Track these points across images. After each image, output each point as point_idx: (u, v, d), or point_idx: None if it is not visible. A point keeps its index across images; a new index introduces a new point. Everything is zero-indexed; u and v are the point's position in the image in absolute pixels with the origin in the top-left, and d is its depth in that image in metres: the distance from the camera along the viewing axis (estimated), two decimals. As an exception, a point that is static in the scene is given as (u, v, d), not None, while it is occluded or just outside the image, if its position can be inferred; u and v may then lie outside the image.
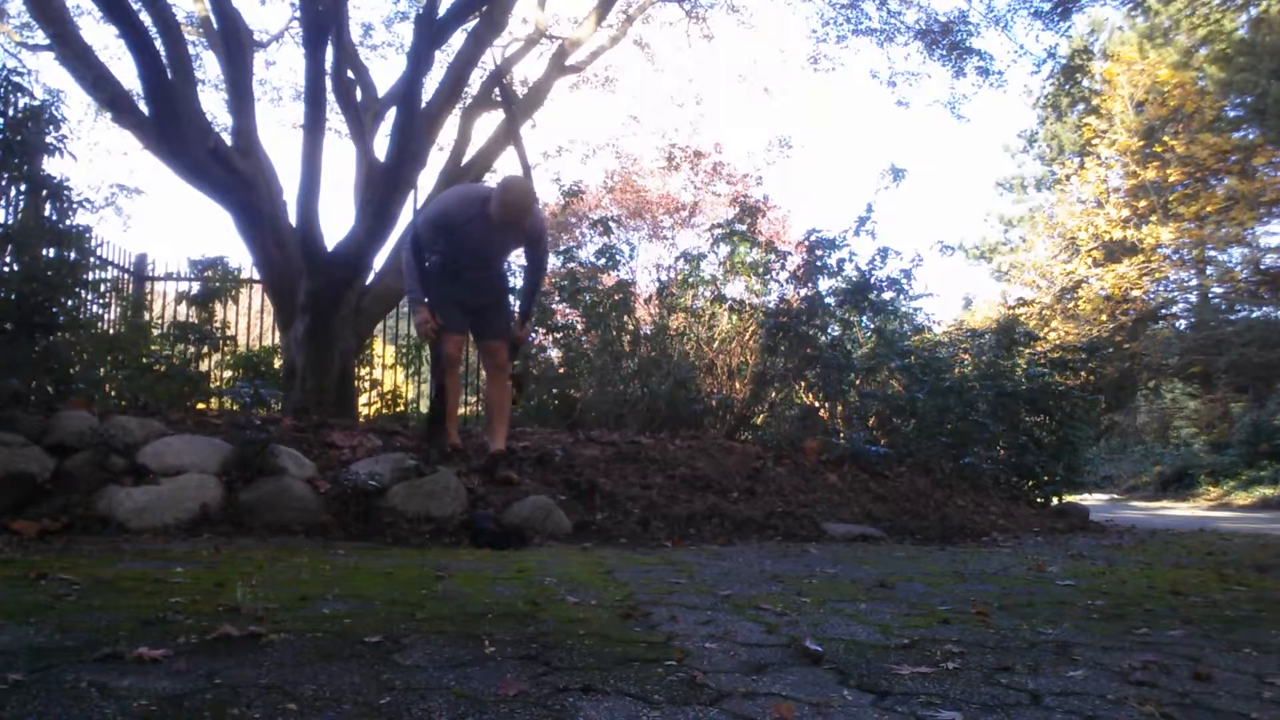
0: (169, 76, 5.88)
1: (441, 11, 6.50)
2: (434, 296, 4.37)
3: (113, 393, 5.64)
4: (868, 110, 79.27)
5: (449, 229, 4.26)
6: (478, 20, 7.43)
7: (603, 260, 7.50)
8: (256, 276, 7.72)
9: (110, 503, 3.45)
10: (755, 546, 3.97)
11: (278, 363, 7.17)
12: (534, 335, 7.92)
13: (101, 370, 5.55)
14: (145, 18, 5.97)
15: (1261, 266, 20.52)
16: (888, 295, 7.33)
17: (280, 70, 22.00)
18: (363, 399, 7.69)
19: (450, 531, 3.74)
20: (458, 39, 7.77)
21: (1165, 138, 19.23)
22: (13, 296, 4.24)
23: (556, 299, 7.65)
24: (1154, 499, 18.02)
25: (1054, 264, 22.14)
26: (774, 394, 7.40)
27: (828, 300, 7.28)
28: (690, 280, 7.52)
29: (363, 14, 18.65)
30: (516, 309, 4.80)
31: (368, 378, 8.02)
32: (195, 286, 7.31)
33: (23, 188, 4.83)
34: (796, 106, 49.96)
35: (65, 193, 4.76)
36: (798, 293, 7.38)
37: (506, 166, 9.16)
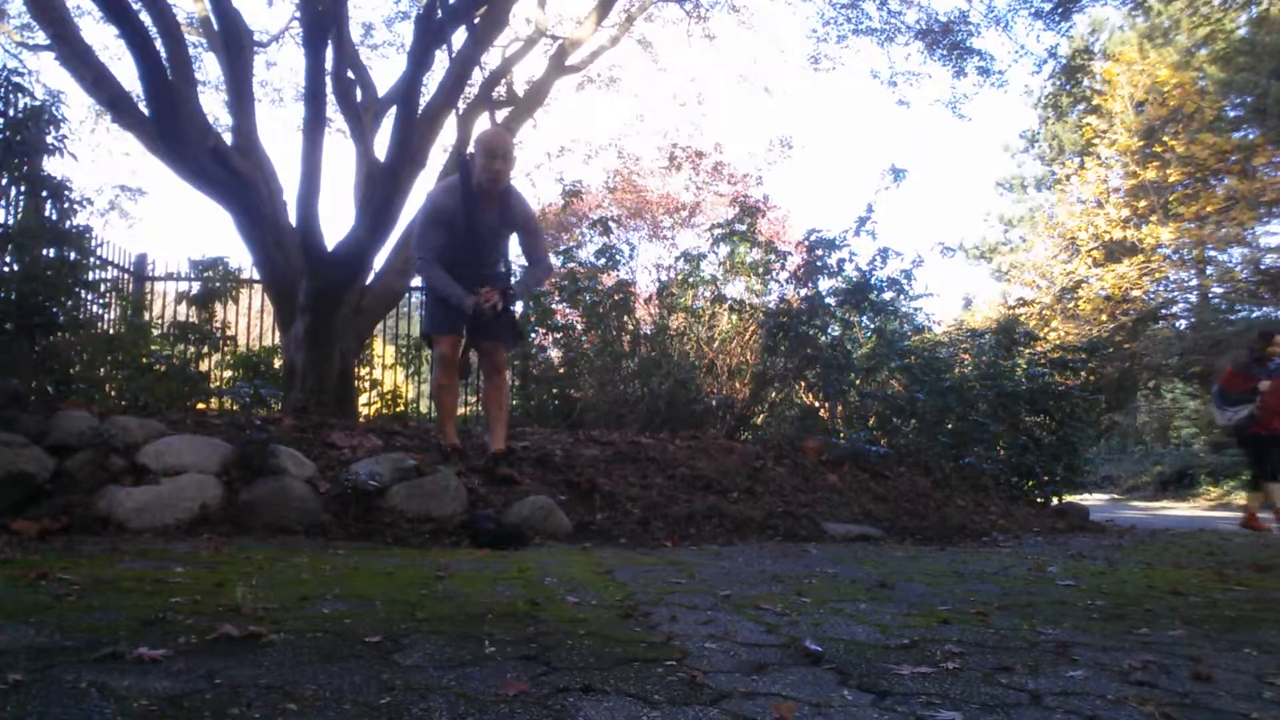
0: (169, 77, 5.87)
1: (441, 11, 6.50)
2: (436, 296, 4.38)
3: (113, 393, 5.64)
4: (868, 110, 79.28)
5: (447, 222, 4.27)
6: (478, 20, 7.43)
7: (603, 260, 7.50)
8: (256, 276, 7.72)
9: (110, 503, 3.45)
10: (755, 546, 3.97)
11: (278, 363, 7.18)
12: (534, 334, 7.92)
13: (101, 370, 5.55)
14: (145, 18, 5.96)
15: (1261, 266, 20.51)
16: (888, 295, 7.33)
17: (280, 70, 21.96)
18: (363, 399, 7.69)
19: (450, 531, 3.74)
20: (458, 38, 7.77)
21: (1165, 138, 19.21)
22: (13, 296, 4.24)
23: (556, 299, 7.65)
24: (1154, 499, 18.02)
25: (1054, 264, 22.13)
26: (774, 394, 7.40)
27: (828, 300, 7.28)
28: (690, 280, 7.52)
29: (363, 14, 18.64)
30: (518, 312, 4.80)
31: (368, 378, 8.02)
32: (195, 286, 7.31)
33: (23, 188, 4.83)
34: (797, 106, 49.99)
35: (65, 193, 4.76)
36: (798, 293, 7.38)
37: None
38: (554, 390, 7.52)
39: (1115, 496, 19.23)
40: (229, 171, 6.45)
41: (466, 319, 4.43)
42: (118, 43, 9.50)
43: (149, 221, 23.53)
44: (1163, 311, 22.60)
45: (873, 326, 7.57)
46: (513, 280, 4.58)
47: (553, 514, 3.97)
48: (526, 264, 4.66)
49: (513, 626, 1.94)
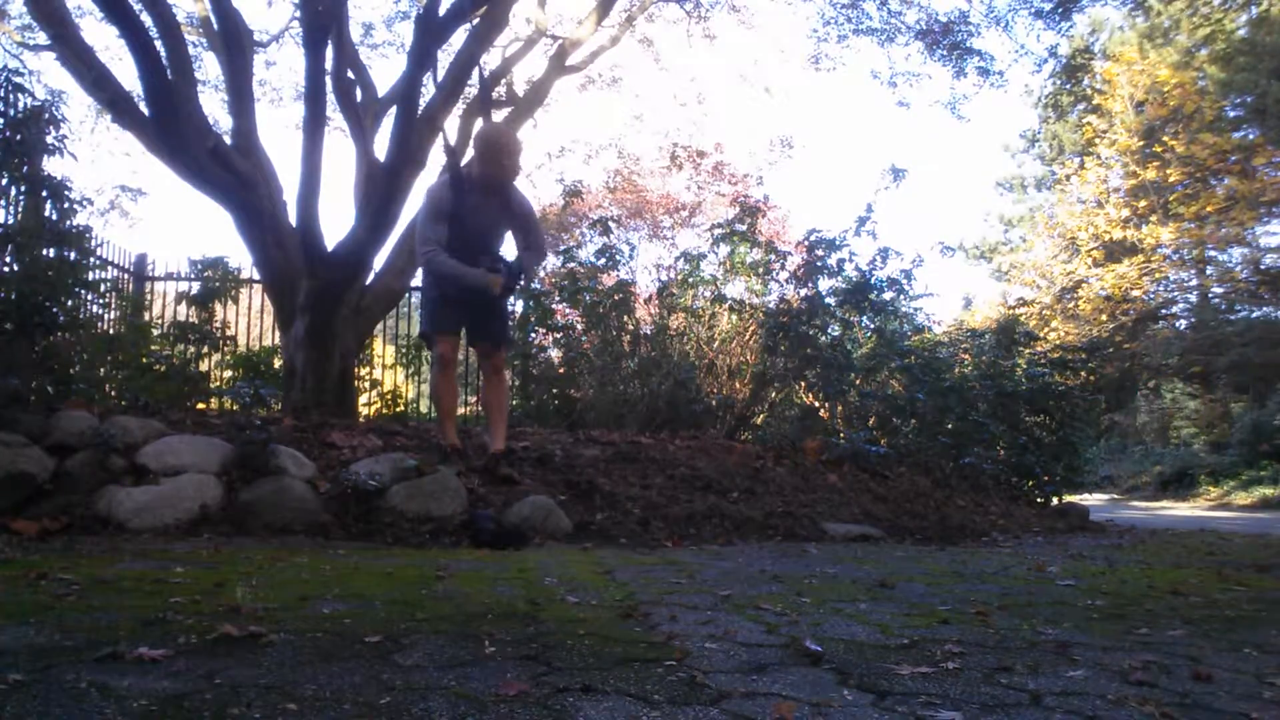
0: (169, 77, 5.88)
1: (442, 11, 6.50)
2: (434, 296, 4.38)
3: (113, 393, 5.64)
4: (868, 110, 79.36)
5: (447, 215, 4.27)
6: (478, 20, 7.43)
7: (603, 260, 7.50)
8: (256, 276, 7.73)
9: (110, 503, 3.45)
10: (755, 546, 3.97)
11: (278, 363, 7.18)
12: (533, 334, 7.92)
13: (101, 370, 5.55)
14: (146, 18, 5.96)
15: (1261, 266, 20.53)
16: (888, 295, 7.34)
17: (280, 70, 21.96)
18: (363, 399, 7.70)
19: (450, 531, 3.75)
20: (458, 38, 7.77)
21: (1165, 138, 19.23)
22: (13, 296, 4.24)
23: (556, 299, 7.66)
24: (1154, 499, 18.02)
25: (1054, 264, 22.16)
26: (774, 394, 7.40)
27: (828, 300, 7.28)
28: (690, 280, 7.52)
29: (363, 14, 18.66)
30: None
31: (368, 378, 8.03)
32: (195, 286, 7.31)
33: (23, 188, 4.83)
34: (797, 106, 50.04)
35: (65, 193, 4.76)
36: (798, 293, 7.38)
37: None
38: (554, 390, 7.52)
39: (1115, 496, 19.22)
40: (229, 171, 6.45)
41: (465, 318, 4.43)
42: (118, 43, 9.53)
43: (149, 221, 23.59)
44: (1163, 311, 22.64)
45: (873, 326, 7.57)
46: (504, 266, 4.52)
47: (553, 514, 3.97)
48: (525, 248, 4.64)
49: (513, 626, 1.94)
